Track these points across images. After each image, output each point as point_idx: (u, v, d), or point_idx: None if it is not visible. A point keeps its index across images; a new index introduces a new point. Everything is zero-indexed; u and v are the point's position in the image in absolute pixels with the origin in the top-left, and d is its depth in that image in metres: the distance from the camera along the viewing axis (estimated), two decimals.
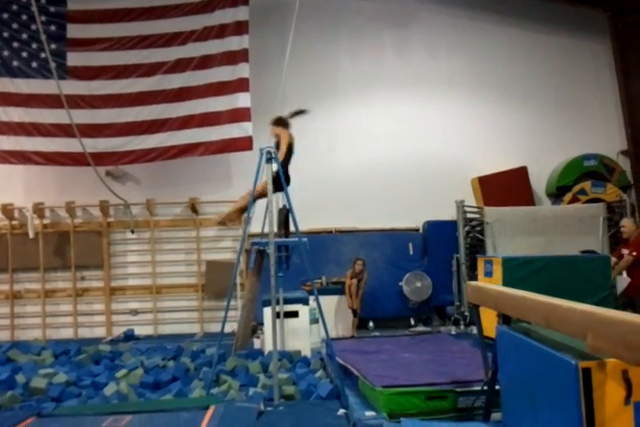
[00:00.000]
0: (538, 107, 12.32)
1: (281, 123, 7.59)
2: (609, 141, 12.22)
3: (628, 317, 2.57)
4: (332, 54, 12.28)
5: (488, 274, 8.46)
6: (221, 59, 11.22)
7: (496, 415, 4.49)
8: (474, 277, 10.62)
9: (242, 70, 11.16)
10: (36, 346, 9.06)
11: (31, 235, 11.39)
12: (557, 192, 11.83)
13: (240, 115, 11.04)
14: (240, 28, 11.24)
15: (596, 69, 12.47)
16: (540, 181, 12.11)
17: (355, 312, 10.28)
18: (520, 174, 11.91)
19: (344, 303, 10.36)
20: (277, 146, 7.31)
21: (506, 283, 7.50)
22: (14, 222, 11.79)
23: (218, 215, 8.64)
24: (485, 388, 4.59)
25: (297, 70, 11.30)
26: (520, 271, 7.93)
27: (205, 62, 11.25)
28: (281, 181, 6.45)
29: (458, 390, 5.16)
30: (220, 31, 11.26)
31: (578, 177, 11.70)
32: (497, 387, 4.36)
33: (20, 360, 8.15)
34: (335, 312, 10.44)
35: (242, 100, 11.08)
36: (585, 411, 2.94)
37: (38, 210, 11.61)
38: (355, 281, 10.24)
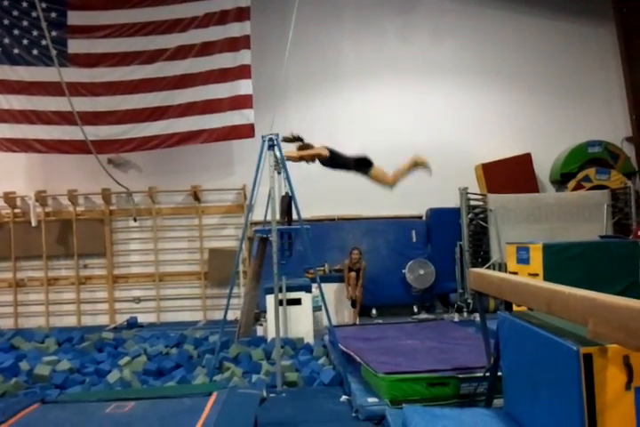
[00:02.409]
0: (542, 93, 12.22)
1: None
2: (613, 128, 12.14)
3: (630, 302, 2.55)
4: (335, 40, 12.19)
5: (523, 261, 8.38)
6: (223, 45, 11.16)
7: (498, 402, 4.49)
8: (477, 264, 10.63)
9: (243, 57, 11.10)
10: (39, 334, 9.10)
11: (34, 223, 11.42)
12: (561, 179, 11.77)
13: (242, 102, 11.00)
14: (241, 14, 11.17)
15: (601, 55, 12.34)
16: (544, 167, 12.04)
17: (354, 303, 10.25)
18: (524, 161, 11.85)
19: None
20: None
21: (547, 269, 7.65)
22: (17, 211, 11.82)
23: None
24: (487, 374, 4.59)
25: (299, 57, 11.22)
26: (559, 257, 7.94)
27: (207, 49, 11.19)
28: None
29: (460, 376, 5.15)
30: (222, 17, 11.19)
31: (582, 164, 11.62)
32: (499, 373, 4.36)
33: (24, 348, 8.19)
34: (338, 300, 10.46)
35: (244, 87, 11.04)
36: (586, 396, 2.93)
37: (40, 198, 11.63)
38: (353, 274, 10.22)
